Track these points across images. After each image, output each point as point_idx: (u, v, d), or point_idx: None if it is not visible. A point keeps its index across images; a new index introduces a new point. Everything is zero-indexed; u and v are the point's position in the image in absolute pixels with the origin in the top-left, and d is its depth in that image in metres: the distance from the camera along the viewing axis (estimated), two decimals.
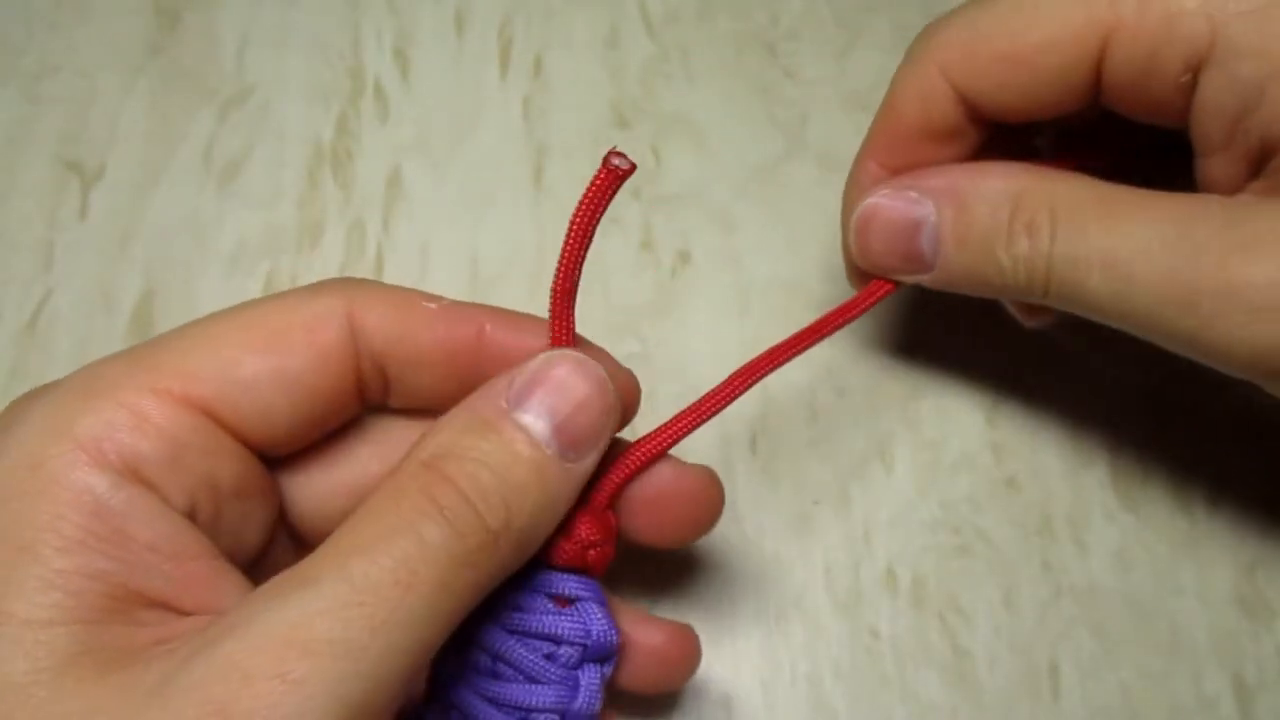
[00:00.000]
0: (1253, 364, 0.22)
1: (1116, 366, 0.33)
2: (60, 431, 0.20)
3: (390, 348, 0.23)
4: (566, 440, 0.21)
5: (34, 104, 0.36)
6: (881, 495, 0.31)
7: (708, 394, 0.25)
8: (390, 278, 0.34)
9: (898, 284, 0.27)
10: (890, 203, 0.25)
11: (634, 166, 0.21)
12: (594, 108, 0.37)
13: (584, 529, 0.23)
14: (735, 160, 0.36)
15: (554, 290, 0.23)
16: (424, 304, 0.23)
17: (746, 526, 0.30)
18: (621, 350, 0.33)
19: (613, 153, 0.21)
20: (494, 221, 0.35)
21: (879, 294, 0.27)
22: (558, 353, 0.22)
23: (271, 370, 0.21)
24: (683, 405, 0.32)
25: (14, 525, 0.19)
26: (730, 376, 0.25)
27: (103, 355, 0.32)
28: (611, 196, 0.22)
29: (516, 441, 0.21)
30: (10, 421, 0.20)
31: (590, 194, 0.22)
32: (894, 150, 0.27)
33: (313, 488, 0.24)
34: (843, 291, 0.34)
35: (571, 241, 0.22)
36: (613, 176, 0.21)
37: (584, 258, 0.23)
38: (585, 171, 0.35)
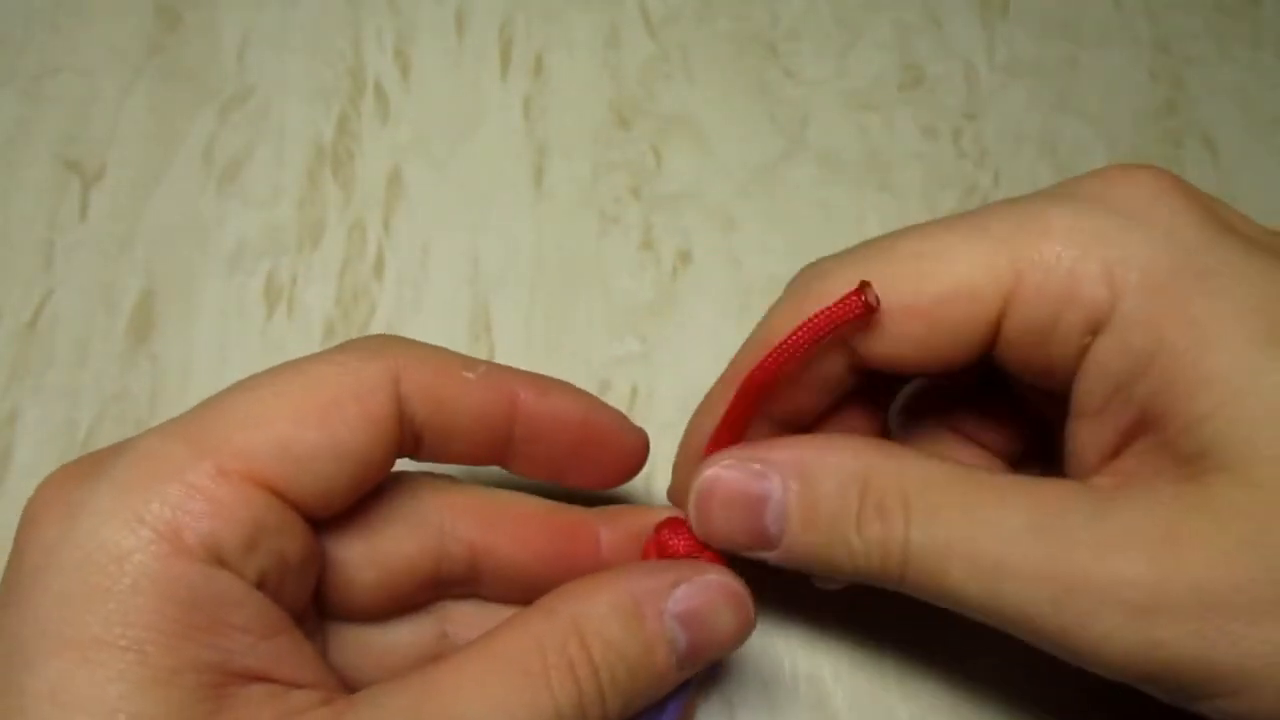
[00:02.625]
0: (1125, 666, 0.20)
1: None
2: (136, 520, 0.19)
3: (430, 416, 0.23)
4: (691, 658, 0.22)
5: (34, 104, 0.36)
6: None
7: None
8: (390, 278, 0.34)
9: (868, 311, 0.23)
10: (732, 475, 0.23)
11: (878, 305, 0.22)
12: (594, 108, 0.37)
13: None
14: (735, 160, 0.36)
15: (749, 382, 0.23)
16: (464, 374, 0.23)
17: None
18: (621, 350, 0.33)
19: (863, 286, 0.22)
20: (494, 221, 0.35)
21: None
22: (725, 579, 0.23)
23: (328, 444, 0.21)
24: (682, 405, 0.32)
25: (114, 624, 0.18)
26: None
27: (104, 356, 0.32)
28: (843, 325, 0.22)
29: (659, 653, 0.22)
30: (71, 509, 0.20)
31: (829, 313, 0.22)
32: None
33: (349, 548, 0.24)
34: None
35: (788, 345, 0.22)
36: (858, 307, 0.22)
37: (783, 367, 0.23)
38: (585, 171, 0.36)
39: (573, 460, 0.25)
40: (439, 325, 0.33)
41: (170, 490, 0.20)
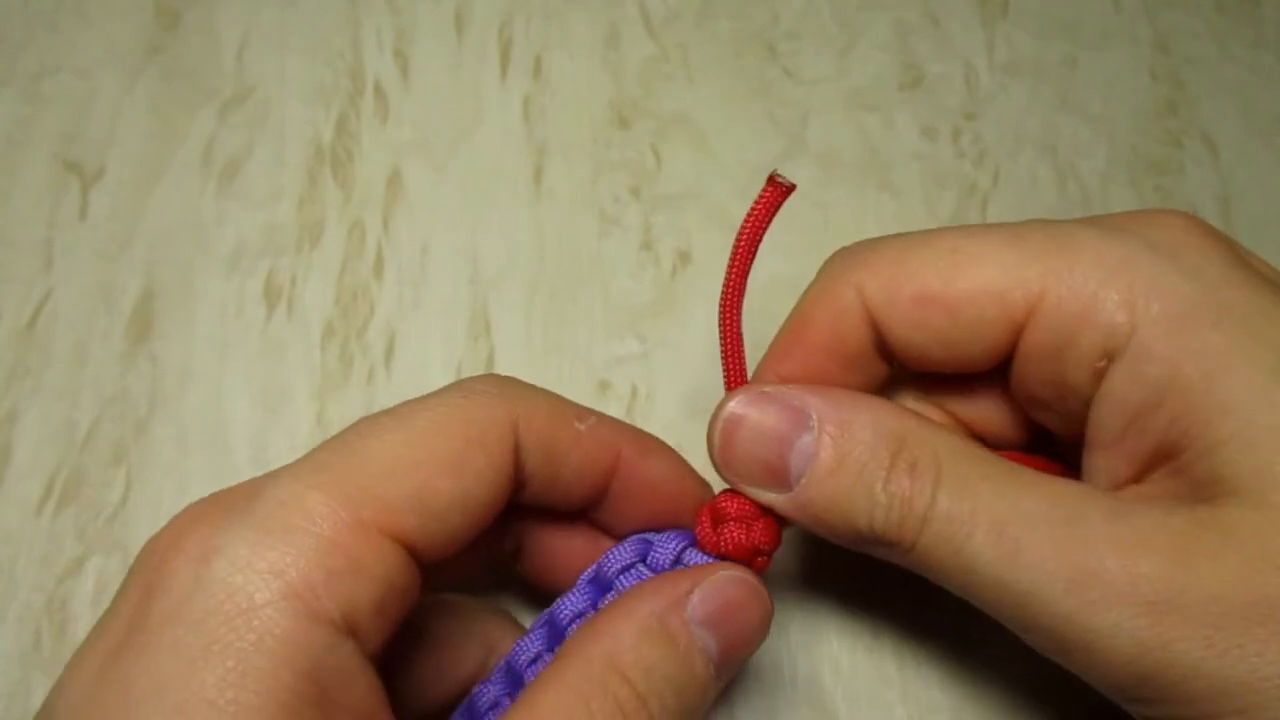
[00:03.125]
0: (1128, 662, 0.20)
1: None
2: (270, 574, 0.18)
3: (540, 465, 0.23)
4: (725, 662, 0.22)
5: (34, 104, 0.36)
6: None
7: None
8: (390, 278, 0.34)
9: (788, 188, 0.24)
10: (765, 407, 0.23)
11: (794, 186, 0.23)
12: (594, 108, 0.37)
13: (761, 534, 0.23)
14: (735, 160, 0.36)
15: (722, 312, 0.24)
16: (576, 424, 0.23)
17: None
18: (621, 350, 0.33)
19: (774, 175, 0.23)
20: (494, 221, 0.35)
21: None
22: (735, 574, 0.23)
23: (461, 496, 0.21)
24: (683, 406, 0.32)
25: (228, 685, 0.17)
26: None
27: (103, 356, 0.32)
28: (774, 213, 0.23)
29: (696, 664, 0.21)
30: (206, 554, 0.19)
31: (757, 209, 0.23)
32: (798, 363, 0.26)
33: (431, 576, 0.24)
34: None
35: (738, 258, 0.23)
36: (779, 192, 0.23)
37: (747, 275, 0.24)
38: (585, 171, 0.36)
39: (656, 519, 0.25)
40: (439, 325, 0.33)
41: (308, 544, 0.19)
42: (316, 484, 0.20)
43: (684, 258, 0.34)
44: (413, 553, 0.20)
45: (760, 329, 0.33)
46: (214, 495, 0.21)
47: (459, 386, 0.23)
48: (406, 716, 0.23)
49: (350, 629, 0.19)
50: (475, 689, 0.24)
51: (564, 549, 0.26)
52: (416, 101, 0.37)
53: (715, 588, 0.22)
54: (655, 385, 0.32)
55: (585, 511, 0.25)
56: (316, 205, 0.35)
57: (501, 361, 0.33)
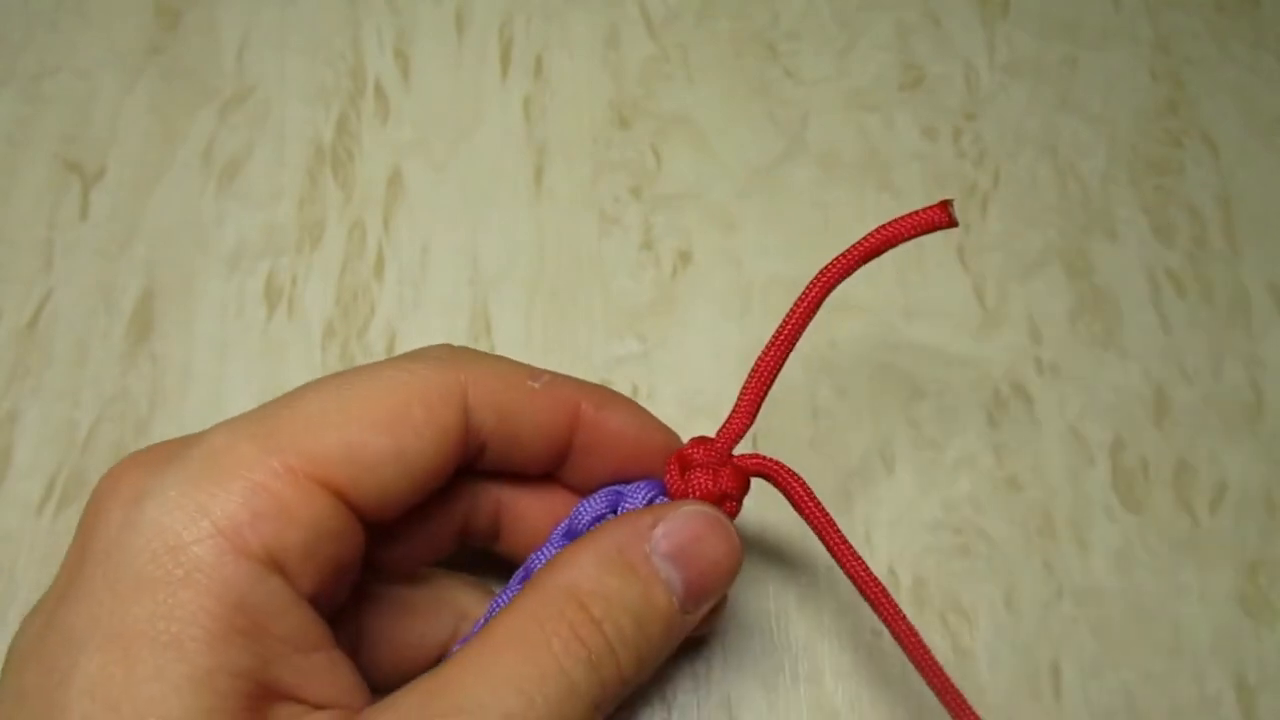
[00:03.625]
0: None
1: (1118, 365, 0.33)
2: (199, 513, 0.19)
3: (496, 426, 0.23)
4: (692, 596, 0.22)
5: (34, 104, 0.36)
6: (882, 495, 0.31)
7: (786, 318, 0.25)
8: (390, 278, 0.34)
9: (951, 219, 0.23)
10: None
11: (956, 223, 0.23)
12: (594, 108, 0.37)
13: (728, 479, 0.24)
14: (735, 160, 0.36)
15: (774, 347, 0.24)
16: (529, 383, 0.24)
17: (748, 526, 0.30)
18: (621, 350, 0.33)
19: (948, 202, 0.23)
20: (494, 221, 0.35)
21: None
22: (699, 508, 0.23)
23: (394, 451, 0.21)
24: (683, 405, 0.32)
25: (158, 617, 0.18)
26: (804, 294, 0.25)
27: (103, 356, 0.32)
28: (915, 235, 0.23)
29: (657, 594, 0.22)
30: (138, 496, 0.20)
31: (904, 223, 0.23)
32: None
33: (395, 548, 0.25)
34: (842, 290, 0.34)
35: (868, 244, 0.23)
36: (938, 218, 0.23)
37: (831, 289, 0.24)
38: (585, 171, 0.36)
39: (624, 472, 0.25)
40: (439, 325, 0.33)
41: (236, 486, 0.20)
42: (249, 434, 0.20)
43: (684, 258, 0.34)
44: (348, 504, 0.21)
45: (760, 329, 0.33)
46: (154, 445, 0.22)
47: (410, 353, 0.23)
48: (378, 682, 0.24)
49: (277, 566, 0.20)
50: (453, 648, 0.24)
51: (541, 520, 0.26)
52: (417, 101, 0.37)
53: (678, 521, 0.22)
54: (655, 385, 0.32)
55: (555, 476, 0.25)
56: (317, 205, 0.35)
57: None
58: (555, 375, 0.24)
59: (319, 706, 0.20)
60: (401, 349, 0.33)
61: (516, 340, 0.33)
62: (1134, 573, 0.30)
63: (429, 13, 0.38)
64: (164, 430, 0.31)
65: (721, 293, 0.34)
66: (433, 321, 0.33)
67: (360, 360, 0.32)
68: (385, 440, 0.21)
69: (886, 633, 0.29)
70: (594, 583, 0.21)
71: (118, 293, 0.33)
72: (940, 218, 0.23)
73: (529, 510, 0.26)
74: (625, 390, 0.32)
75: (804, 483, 0.24)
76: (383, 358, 0.32)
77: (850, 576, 0.24)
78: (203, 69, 0.37)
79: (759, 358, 0.24)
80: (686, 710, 0.28)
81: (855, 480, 0.31)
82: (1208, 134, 0.37)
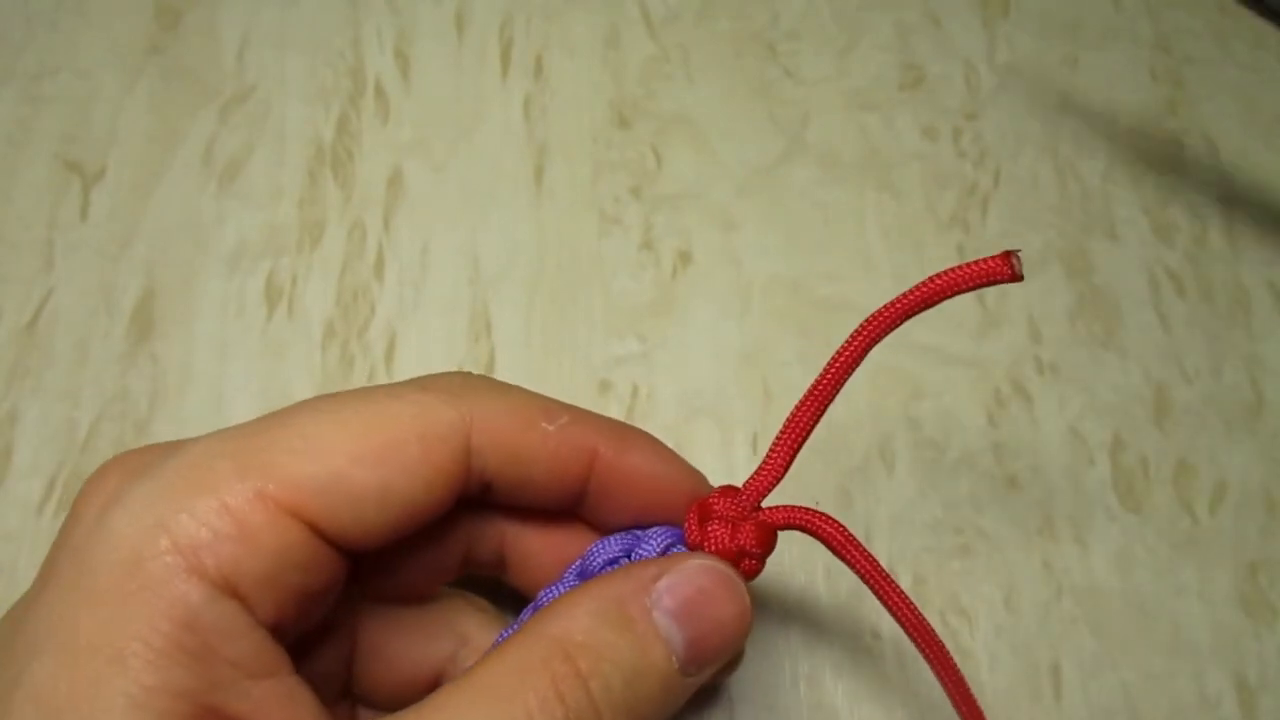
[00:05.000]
0: None
1: (1118, 365, 0.33)
2: (160, 529, 0.19)
3: (502, 467, 0.22)
4: (694, 658, 0.21)
5: (34, 104, 0.36)
6: (882, 495, 0.31)
7: (825, 370, 0.23)
8: (391, 278, 0.34)
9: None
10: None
11: (1021, 277, 0.21)
12: (594, 108, 0.37)
13: (748, 535, 0.22)
14: (735, 160, 0.36)
15: (816, 393, 0.23)
16: (544, 425, 0.22)
17: None
18: (621, 350, 0.33)
19: (1014, 254, 0.21)
20: (494, 221, 0.35)
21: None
22: (708, 562, 0.22)
23: (378, 487, 0.20)
24: (683, 406, 0.32)
25: (107, 630, 0.18)
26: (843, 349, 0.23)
27: (104, 356, 0.32)
28: (975, 287, 0.21)
29: (654, 651, 0.20)
30: (108, 502, 0.19)
31: (964, 272, 0.21)
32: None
33: (388, 574, 0.24)
34: (842, 290, 0.34)
35: (926, 290, 0.22)
36: (999, 270, 0.21)
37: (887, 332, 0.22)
38: (585, 171, 0.36)
39: (645, 515, 0.24)
40: (439, 325, 0.33)
41: (201, 505, 0.19)
42: (227, 452, 0.20)
43: (684, 258, 0.34)
44: (322, 535, 0.20)
45: (760, 329, 0.33)
46: (143, 448, 0.21)
47: (418, 381, 0.22)
48: (374, 700, 0.23)
49: (232, 591, 0.19)
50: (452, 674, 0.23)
51: (550, 555, 0.25)
52: (417, 101, 0.37)
53: (684, 575, 0.21)
54: (656, 385, 0.32)
55: (571, 511, 0.24)
56: (317, 205, 0.35)
57: (502, 361, 0.33)
58: (574, 414, 0.23)
59: None
60: (401, 349, 0.33)
61: (516, 340, 0.33)
62: (1134, 572, 0.30)
63: (429, 13, 0.38)
64: (164, 430, 0.31)
65: (722, 293, 0.34)
66: (433, 321, 0.33)
67: (360, 361, 0.32)
68: (370, 475, 0.20)
69: (885, 635, 0.29)
70: (586, 634, 0.20)
71: (118, 293, 0.33)
72: (1002, 269, 0.21)
73: (537, 545, 0.25)
74: (625, 390, 0.32)
75: (844, 529, 0.23)
76: (382, 358, 0.32)
77: (903, 625, 0.23)
78: (203, 69, 0.37)
79: (795, 408, 0.23)
80: (685, 710, 0.28)
81: (855, 480, 0.31)
82: (1208, 134, 0.37)
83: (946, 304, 0.35)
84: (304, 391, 0.32)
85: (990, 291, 0.34)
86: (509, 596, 0.27)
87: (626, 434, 0.23)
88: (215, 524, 0.19)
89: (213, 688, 0.18)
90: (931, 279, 0.22)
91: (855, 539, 0.23)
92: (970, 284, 0.21)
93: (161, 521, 0.19)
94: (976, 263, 0.21)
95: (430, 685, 0.24)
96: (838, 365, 0.23)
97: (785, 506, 0.23)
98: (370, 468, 0.20)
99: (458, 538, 0.24)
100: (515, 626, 0.23)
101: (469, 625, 0.25)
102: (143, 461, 0.21)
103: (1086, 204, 0.35)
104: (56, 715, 0.18)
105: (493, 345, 0.33)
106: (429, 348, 0.33)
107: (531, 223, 0.35)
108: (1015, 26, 0.39)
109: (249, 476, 0.19)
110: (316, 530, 0.20)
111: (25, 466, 0.31)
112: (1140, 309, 0.34)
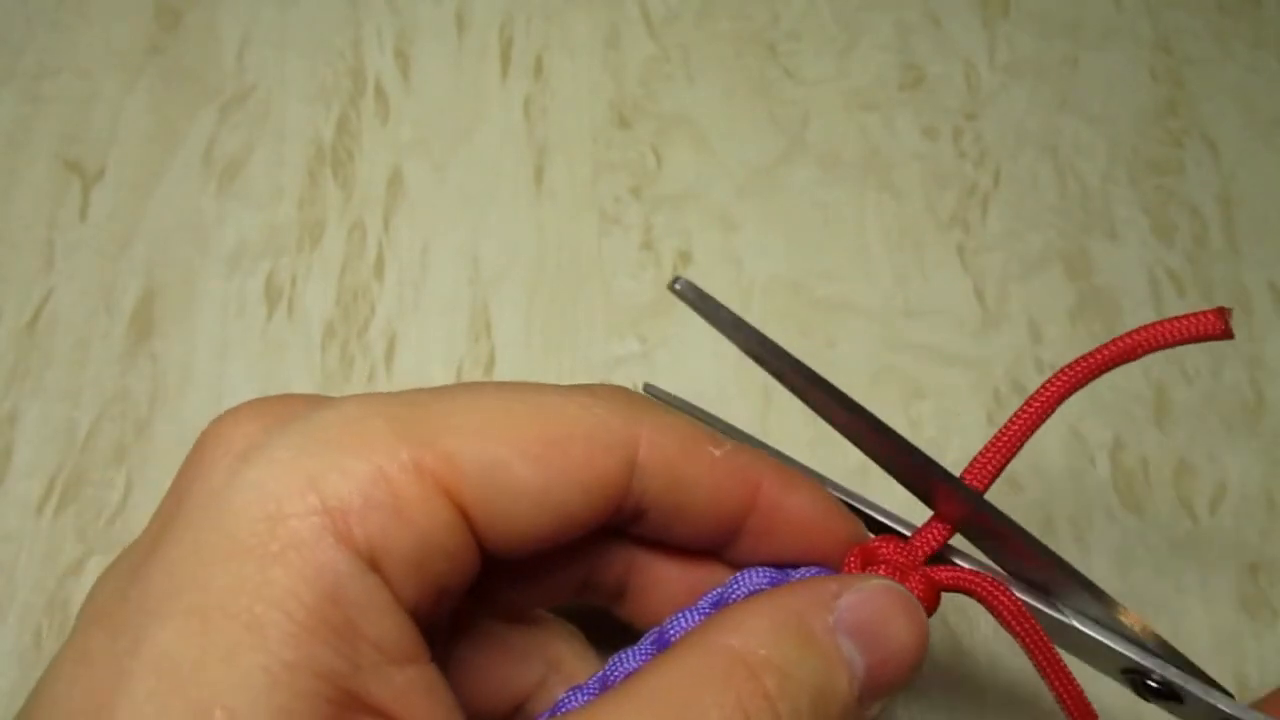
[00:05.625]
0: None
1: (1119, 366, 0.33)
2: (309, 486, 0.17)
3: (663, 493, 0.20)
4: (871, 685, 0.19)
5: (34, 104, 0.36)
6: (882, 496, 0.31)
7: (1008, 425, 0.22)
8: (390, 278, 0.34)
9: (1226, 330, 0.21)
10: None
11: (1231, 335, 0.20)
12: (594, 108, 0.37)
13: (916, 587, 0.21)
14: (735, 160, 0.36)
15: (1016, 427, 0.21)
16: (710, 449, 0.20)
17: None
18: (622, 350, 0.33)
19: (1226, 312, 0.20)
20: (494, 221, 0.35)
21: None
22: (890, 584, 0.20)
23: (540, 488, 0.18)
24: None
25: (243, 593, 0.16)
26: (1031, 402, 0.22)
27: (104, 356, 0.32)
28: (1186, 341, 0.21)
29: (839, 676, 0.18)
30: (247, 452, 0.17)
31: (1171, 328, 0.20)
32: None
33: (505, 587, 0.22)
34: (842, 290, 0.34)
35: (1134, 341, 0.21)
36: (1208, 327, 0.20)
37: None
38: (585, 171, 0.36)
39: (795, 559, 0.22)
40: (439, 325, 0.33)
41: (355, 466, 0.17)
42: (387, 414, 0.18)
43: (684, 258, 0.34)
44: (470, 525, 0.18)
45: (760, 329, 0.33)
46: (281, 395, 0.19)
47: (584, 386, 0.20)
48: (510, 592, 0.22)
49: (375, 567, 0.17)
50: (561, 697, 0.21)
51: (677, 589, 0.22)
52: (417, 101, 0.37)
53: (866, 595, 0.19)
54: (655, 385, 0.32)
55: (717, 548, 0.22)
56: (317, 205, 0.35)
57: (502, 361, 0.33)
58: (738, 445, 0.21)
59: None
60: (401, 349, 0.33)
61: (517, 340, 0.33)
62: (1134, 573, 0.30)
63: (429, 13, 0.38)
64: (164, 430, 0.31)
65: (722, 293, 0.34)
66: (433, 321, 0.33)
67: (360, 361, 0.32)
68: (532, 471, 0.18)
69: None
70: (770, 649, 0.18)
71: (118, 293, 0.33)
72: (1215, 326, 0.20)
73: (665, 576, 0.22)
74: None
75: (1014, 598, 0.21)
76: (382, 358, 0.32)
77: (1063, 705, 0.21)
78: (203, 69, 0.37)
79: (968, 467, 0.22)
80: None
81: (855, 480, 0.31)
82: (1208, 134, 0.37)
83: (946, 304, 0.35)
84: (304, 391, 0.32)
85: (990, 291, 0.34)
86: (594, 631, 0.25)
87: (791, 471, 0.22)
88: (369, 490, 0.17)
89: (356, 670, 0.16)
90: (1138, 331, 0.21)
91: (1027, 612, 0.21)
92: (1179, 339, 0.21)
93: (311, 478, 0.17)
94: (1187, 317, 0.20)
95: (513, 709, 0.22)
96: (1018, 424, 0.21)
97: (957, 568, 0.22)
98: (533, 463, 0.18)
99: (585, 558, 0.22)
100: (634, 655, 0.20)
101: (562, 651, 0.23)
102: (288, 409, 0.18)
103: (1086, 204, 0.35)
104: (182, 688, 0.15)
105: (493, 345, 0.33)
106: (429, 348, 0.33)
107: (531, 223, 0.35)
108: (1015, 26, 0.39)
109: (409, 443, 0.17)
110: (467, 518, 0.18)
111: (25, 466, 0.31)
112: (1140, 309, 0.34)
